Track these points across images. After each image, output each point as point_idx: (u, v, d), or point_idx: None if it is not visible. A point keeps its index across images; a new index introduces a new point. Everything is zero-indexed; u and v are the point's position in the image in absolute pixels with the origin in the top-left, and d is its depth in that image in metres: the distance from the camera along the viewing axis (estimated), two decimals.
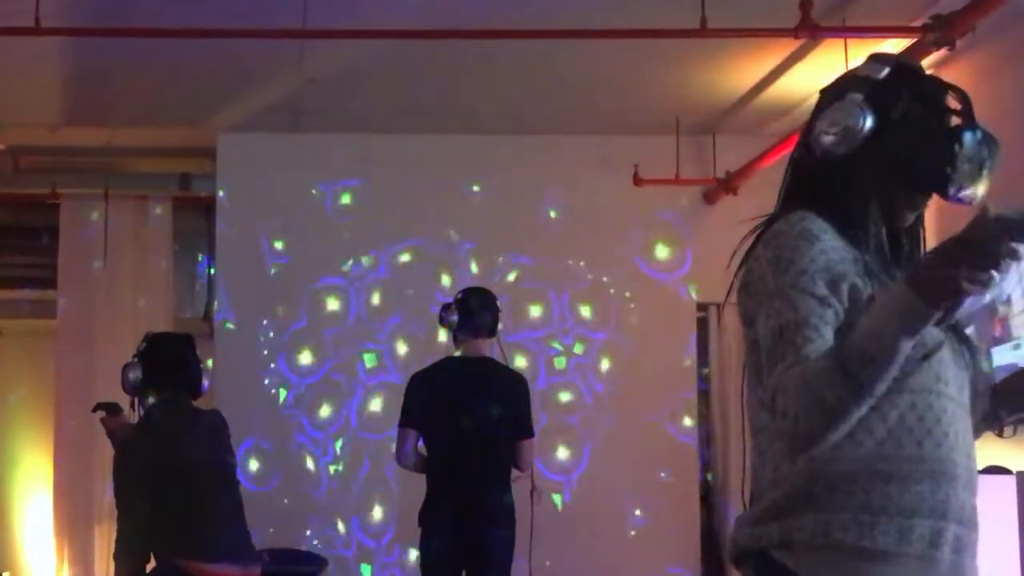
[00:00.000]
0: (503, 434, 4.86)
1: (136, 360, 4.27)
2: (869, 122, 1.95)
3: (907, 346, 1.74)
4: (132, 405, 4.37)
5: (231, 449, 4.39)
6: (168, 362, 4.27)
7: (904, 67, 2.05)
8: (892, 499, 1.86)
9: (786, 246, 1.91)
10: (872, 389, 1.76)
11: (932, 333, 1.82)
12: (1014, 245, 1.63)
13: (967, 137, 1.94)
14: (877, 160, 1.97)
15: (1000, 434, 2.18)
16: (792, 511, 1.90)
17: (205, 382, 4.36)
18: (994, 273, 1.64)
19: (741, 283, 2.02)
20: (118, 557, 4.15)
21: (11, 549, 7.40)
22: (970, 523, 1.94)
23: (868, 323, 1.76)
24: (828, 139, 1.98)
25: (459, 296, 5.05)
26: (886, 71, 2.01)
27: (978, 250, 1.64)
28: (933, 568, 1.88)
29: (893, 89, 1.99)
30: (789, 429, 1.82)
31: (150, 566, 4.15)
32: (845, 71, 2.19)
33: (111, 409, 4.62)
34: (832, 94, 2.05)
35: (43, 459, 7.20)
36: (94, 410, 4.66)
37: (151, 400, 4.23)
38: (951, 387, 1.95)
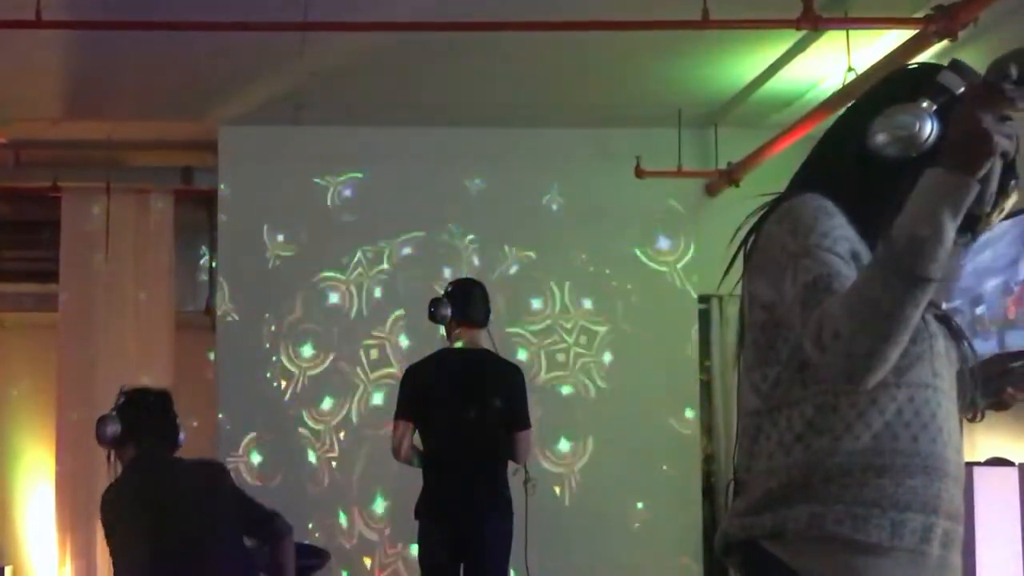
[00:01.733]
0: (501, 426, 4.86)
1: (114, 414, 4.20)
2: (933, 138, 1.82)
3: (953, 227, 1.70)
4: (108, 458, 4.26)
5: (239, 503, 4.21)
6: (145, 416, 4.19)
7: None
8: (886, 493, 1.86)
9: (804, 217, 1.90)
10: (928, 275, 1.70)
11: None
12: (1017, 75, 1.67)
13: (1010, 189, 1.91)
14: (916, 178, 1.84)
15: (972, 419, 2.17)
16: (785, 501, 1.90)
17: (182, 435, 4.30)
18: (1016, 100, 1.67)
19: (752, 262, 1.99)
20: None
21: (14, 543, 7.41)
22: (958, 518, 1.95)
23: (908, 215, 1.72)
24: (882, 139, 1.83)
25: (451, 289, 5.06)
26: (963, 88, 1.87)
27: (991, 95, 1.66)
28: (922, 562, 1.89)
29: None
30: (842, 355, 1.74)
31: None
32: (921, 65, 2.07)
33: None
34: (902, 87, 1.95)
35: (45, 453, 7.22)
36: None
37: (131, 454, 4.17)
38: (945, 382, 1.95)
